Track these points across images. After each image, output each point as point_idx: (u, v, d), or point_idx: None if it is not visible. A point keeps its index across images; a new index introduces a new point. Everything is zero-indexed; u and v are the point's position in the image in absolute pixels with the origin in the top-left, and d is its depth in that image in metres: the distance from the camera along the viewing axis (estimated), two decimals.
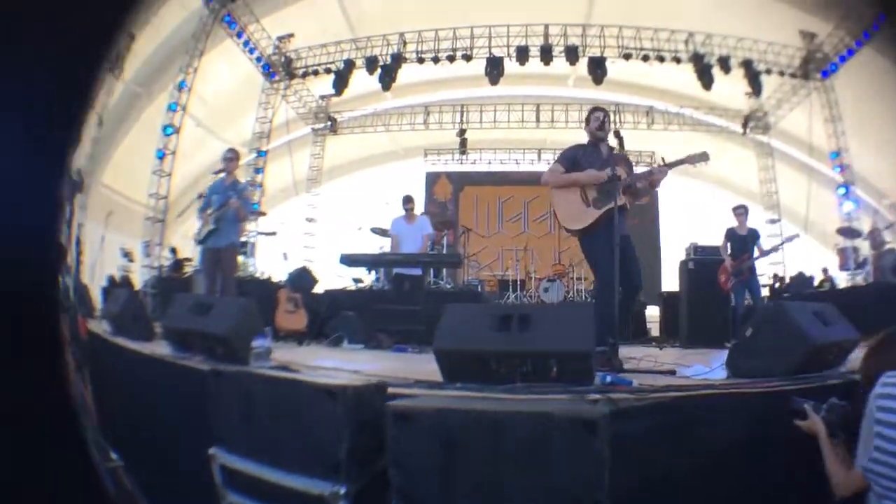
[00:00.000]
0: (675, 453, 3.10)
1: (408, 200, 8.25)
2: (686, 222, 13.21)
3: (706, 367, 4.42)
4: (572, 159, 5.14)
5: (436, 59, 12.57)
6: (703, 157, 4.99)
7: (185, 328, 4.73)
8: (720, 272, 8.23)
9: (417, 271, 7.99)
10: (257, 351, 4.67)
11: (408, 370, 4.61)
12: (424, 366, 5.29)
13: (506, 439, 2.38)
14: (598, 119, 5.11)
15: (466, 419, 2.41)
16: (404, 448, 2.41)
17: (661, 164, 4.93)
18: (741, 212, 8.57)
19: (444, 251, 10.11)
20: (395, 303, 7.52)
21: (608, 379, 3.75)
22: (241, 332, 4.52)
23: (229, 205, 6.78)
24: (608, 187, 4.82)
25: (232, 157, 7.20)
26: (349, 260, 7.88)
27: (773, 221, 13.83)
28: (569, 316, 3.80)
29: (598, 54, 12.36)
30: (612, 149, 5.19)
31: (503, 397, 3.13)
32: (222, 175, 7.11)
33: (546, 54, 12.37)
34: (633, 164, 5.21)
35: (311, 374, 3.34)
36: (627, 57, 12.31)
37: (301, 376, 3.01)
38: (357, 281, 11.23)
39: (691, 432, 3.19)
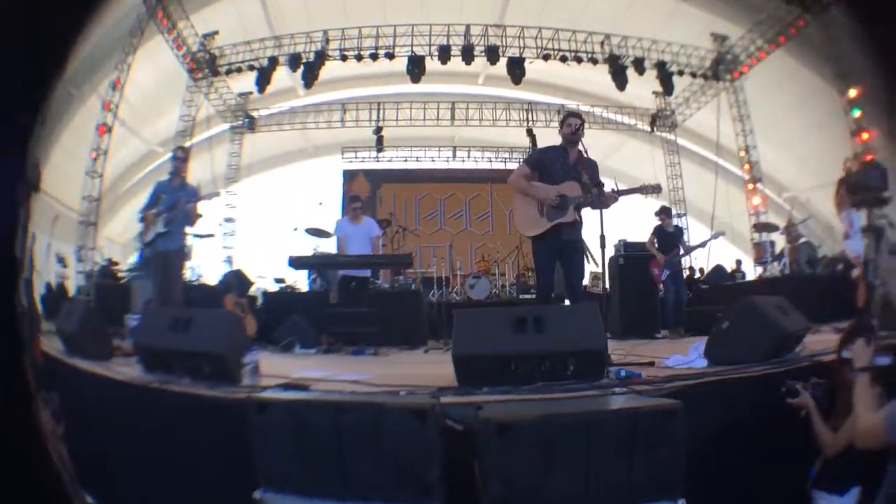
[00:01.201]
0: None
1: (355, 199, 8.13)
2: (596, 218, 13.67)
3: (685, 357, 4.75)
4: (540, 162, 5.39)
5: (359, 57, 12.43)
6: (656, 188, 5.36)
7: (165, 347, 4.35)
8: (653, 266, 8.68)
9: (365, 273, 7.91)
10: (250, 367, 4.45)
11: (405, 376, 4.58)
12: (411, 369, 5.34)
13: (599, 438, 2.51)
14: (572, 125, 5.31)
15: (566, 423, 2.48)
16: (507, 458, 2.42)
17: (615, 190, 5.14)
18: (664, 216, 9.15)
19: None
20: (344, 305, 7.43)
21: (622, 373, 3.95)
22: (235, 349, 4.29)
23: (182, 208, 6.41)
24: (561, 203, 5.12)
25: (182, 156, 6.85)
26: (298, 262, 7.69)
27: (679, 216, 14.64)
28: (580, 316, 3.94)
29: (518, 54, 12.58)
30: (580, 153, 5.37)
31: (563, 397, 3.22)
32: (169, 175, 6.76)
33: (467, 54, 12.46)
34: (598, 169, 5.40)
35: (382, 396, 3.22)
36: (546, 58, 12.57)
37: (381, 399, 2.88)
38: (279, 281, 10.99)
39: (710, 413, 3.43)
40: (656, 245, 8.84)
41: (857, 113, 9.44)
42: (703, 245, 9.54)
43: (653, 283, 8.76)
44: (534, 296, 10.64)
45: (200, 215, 6.76)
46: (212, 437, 3.39)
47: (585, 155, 5.33)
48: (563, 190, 5.13)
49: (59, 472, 2.36)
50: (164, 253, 6.52)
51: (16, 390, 2.14)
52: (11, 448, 2.04)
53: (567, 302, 5.65)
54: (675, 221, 10.16)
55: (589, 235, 5.28)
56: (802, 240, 9.59)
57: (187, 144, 12.33)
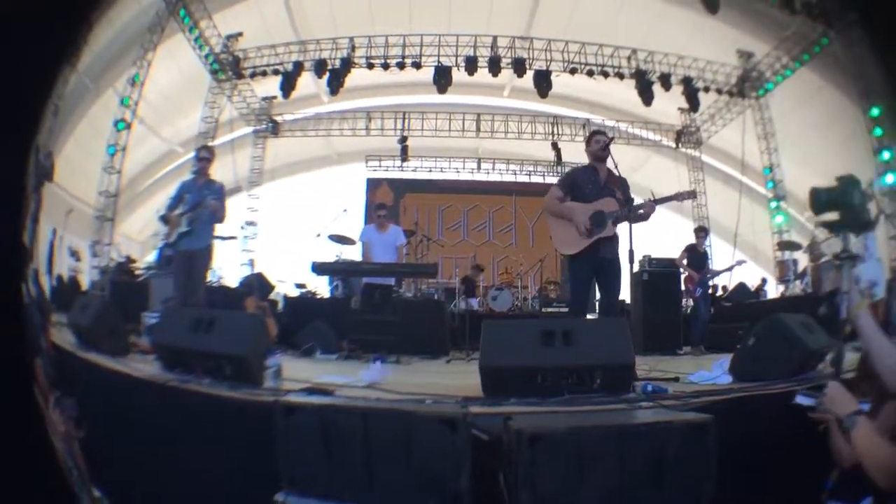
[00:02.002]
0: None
1: (381, 207, 8.12)
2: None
3: (709, 373, 4.71)
4: (571, 183, 5.36)
5: (385, 66, 12.48)
6: (691, 194, 5.39)
7: (186, 346, 4.33)
8: (686, 281, 8.72)
9: (389, 281, 7.88)
10: (272, 370, 4.43)
11: (428, 385, 4.58)
12: (434, 378, 5.32)
13: (631, 451, 2.50)
14: (599, 143, 5.30)
15: (597, 435, 2.46)
16: (537, 469, 2.39)
17: (651, 199, 5.14)
18: (703, 235, 9.39)
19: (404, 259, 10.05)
20: (367, 312, 7.40)
21: (649, 388, 3.91)
22: (259, 351, 4.27)
23: (206, 205, 6.30)
24: (599, 219, 5.06)
25: (206, 155, 6.76)
26: (321, 268, 7.69)
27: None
28: (608, 330, 3.92)
29: (545, 67, 12.58)
30: (610, 171, 5.34)
31: (592, 410, 3.19)
32: (194, 174, 6.73)
33: (494, 65, 12.47)
34: (629, 186, 5.36)
35: (409, 403, 3.21)
36: (573, 71, 12.58)
37: (410, 406, 2.87)
38: (300, 286, 11.01)
39: (734, 428, 3.40)
40: (686, 262, 8.89)
41: (878, 132, 9.37)
42: (728, 270, 9.68)
43: (689, 297, 8.90)
44: (556, 309, 10.66)
45: (225, 215, 6.70)
46: (232, 438, 3.39)
47: (616, 173, 5.31)
48: (599, 206, 5.11)
49: (65, 468, 2.32)
50: (189, 252, 6.42)
51: (19, 380, 2.08)
52: (14, 440, 2.00)
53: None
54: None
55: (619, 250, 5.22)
56: (825, 259, 9.50)
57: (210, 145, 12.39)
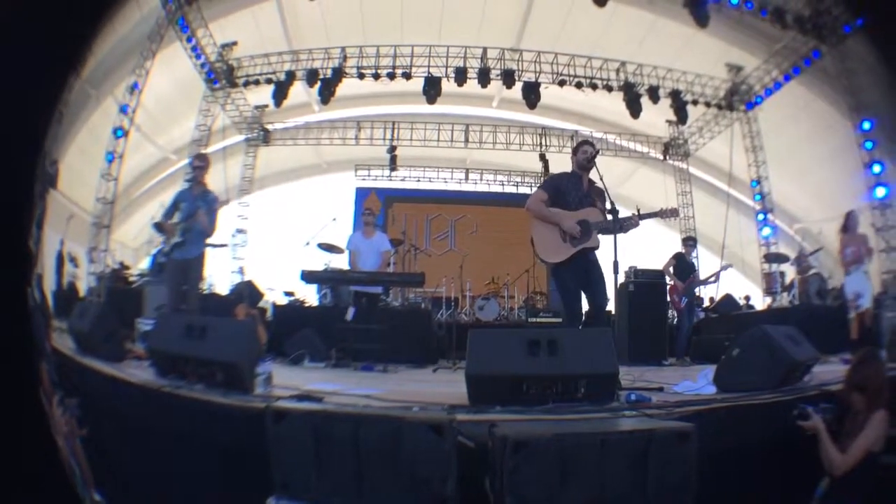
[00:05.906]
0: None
1: (367, 212, 8.16)
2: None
3: (694, 383, 4.77)
4: (556, 188, 5.39)
5: (376, 76, 12.58)
6: (674, 212, 5.41)
7: (179, 352, 4.35)
8: (671, 292, 8.74)
9: (376, 289, 7.92)
10: (262, 377, 4.48)
11: (415, 393, 4.63)
12: (420, 387, 5.37)
13: (614, 458, 2.56)
14: (586, 153, 5.34)
15: (581, 442, 2.52)
16: (521, 475, 2.45)
17: (636, 214, 5.17)
18: (692, 244, 9.45)
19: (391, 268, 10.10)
20: (356, 321, 7.44)
21: (633, 397, 3.98)
22: (250, 358, 4.30)
23: (197, 218, 6.30)
24: (585, 228, 5.14)
25: (200, 164, 6.72)
26: (310, 276, 7.72)
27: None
28: (592, 340, 3.98)
29: (534, 79, 12.71)
30: (591, 182, 5.41)
31: (576, 418, 3.26)
32: (189, 182, 6.73)
33: (484, 77, 12.59)
34: (608, 197, 5.42)
35: (397, 410, 3.26)
36: (562, 83, 12.71)
37: (398, 413, 2.92)
38: (288, 294, 11.04)
39: (718, 438, 3.46)
40: (672, 270, 8.90)
41: (869, 146, 9.50)
42: (714, 278, 9.58)
43: (674, 309, 8.85)
44: (543, 319, 10.71)
45: (215, 228, 6.70)
46: (223, 443, 3.43)
47: (596, 182, 5.38)
48: (585, 215, 5.17)
49: (68, 468, 2.37)
50: (183, 260, 6.42)
51: (25, 384, 2.13)
52: (20, 442, 2.04)
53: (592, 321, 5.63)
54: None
55: (602, 263, 5.26)
56: (812, 271, 9.59)
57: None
